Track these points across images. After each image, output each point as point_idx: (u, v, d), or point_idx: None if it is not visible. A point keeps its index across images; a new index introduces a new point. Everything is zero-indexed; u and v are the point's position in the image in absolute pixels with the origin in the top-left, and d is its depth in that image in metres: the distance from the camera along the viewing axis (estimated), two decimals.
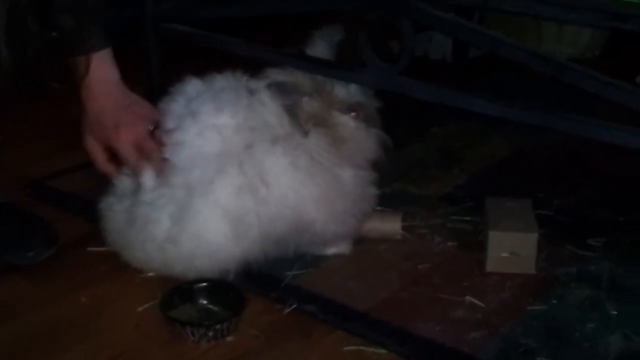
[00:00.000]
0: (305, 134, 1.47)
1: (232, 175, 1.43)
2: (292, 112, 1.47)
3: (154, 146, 1.47)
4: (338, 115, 1.50)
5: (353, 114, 1.50)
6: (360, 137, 1.51)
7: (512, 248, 1.50)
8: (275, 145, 1.46)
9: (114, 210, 1.52)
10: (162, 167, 1.46)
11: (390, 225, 1.62)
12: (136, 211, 1.47)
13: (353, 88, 1.52)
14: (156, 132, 1.48)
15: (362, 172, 1.53)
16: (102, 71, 1.48)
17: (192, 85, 1.51)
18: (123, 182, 1.52)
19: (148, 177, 1.47)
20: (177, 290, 1.41)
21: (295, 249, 1.52)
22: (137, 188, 1.49)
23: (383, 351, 1.31)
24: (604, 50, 2.78)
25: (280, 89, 1.47)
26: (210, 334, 1.32)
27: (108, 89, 1.49)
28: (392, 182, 1.83)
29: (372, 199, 1.56)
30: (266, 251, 1.48)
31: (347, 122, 1.50)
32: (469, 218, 1.69)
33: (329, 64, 1.53)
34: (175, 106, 1.49)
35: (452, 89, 1.40)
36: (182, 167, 1.44)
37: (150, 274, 1.49)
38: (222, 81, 1.51)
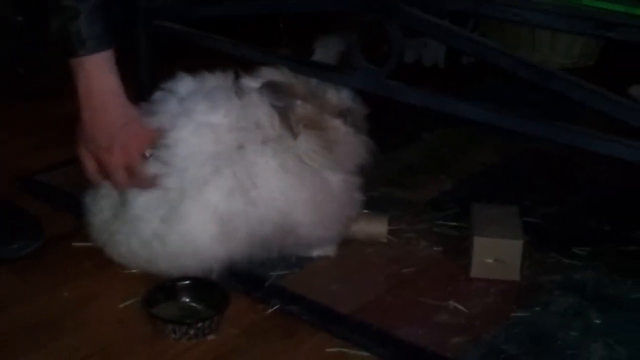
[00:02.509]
0: (296, 136, 1.47)
1: (226, 177, 1.43)
2: (284, 113, 1.47)
3: (144, 174, 1.43)
4: (330, 119, 1.51)
5: (342, 119, 1.51)
6: (350, 141, 1.52)
7: (497, 254, 1.50)
8: (265, 146, 1.46)
9: (101, 204, 1.51)
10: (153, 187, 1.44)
11: (377, 228, 1.62)
12: (126, 208, 1.46)
13: (345, 94, 1.53)
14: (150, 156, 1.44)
15: (350, 177, 1.53)
16: (101, 79, 1.42)
17: (184, 83, 1.51)
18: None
19: (135, 194, 1.45)
20: (161, 287, 1.41)
21: (279, 250, 1.52)
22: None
23: (365, 354, 1.31)
24: (598, 60, 2.78)
25: (274, 90, 1.47)
26: (192, 332, 1.32)
27: (106, 101, 1.43)
28: (380, 186, 1.83)
29: (358, 204, 1.56)
30: (251, 252, 1.47)
31: (338, 127, 1.51)
32: (455, 224, 1.69)
33: (317, 65, 1.53)
34: (168, 105, 1.48)
35: (437, 93, 1.40)
36: (177, 167, 1.43)
37: (134, 271, 1.49)
38: (213, 80, 1.51)
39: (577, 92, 1.27)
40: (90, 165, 1.48)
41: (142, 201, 1.44)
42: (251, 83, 1.49)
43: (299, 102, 1.48)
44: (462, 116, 1.35)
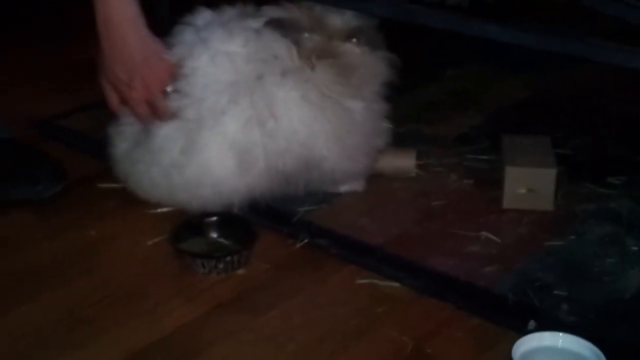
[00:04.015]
0: (312, 67, 1.44)
1: (243, 107, 1.40)
2: (300, 46, 1.44)
3: (166, 108, 1.41)
4: (340, 44, 1.46)
5: (354, 40, 1.46)
6: (368, 61, 1.47)
7: (529, 184, 1.46)
8: (285, 77, 1.42)
9: (123, 134, 1.50)
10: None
11: (404, 162, 1.58)
12: (148, 138, 1.44)
13: (348, 14, 1.47)
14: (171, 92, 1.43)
15: (373, 104, 1.49)
16: (119, 7, 1.38)
17: (202, 16, 1.48)
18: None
19: (158, 125, 1.44)
20: (187, 224, 1.39)
21: (305, 186, 1.49)
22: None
23: (396, 284, 1.28)
24: None
25: (278, 26, 1.43)
26: (221, 266, 1.30)
27: (125, 31, 1.40)
28: (406, 123, 1.78)
29: (385, 134, 1.52)
30: (274, 187, 1.45)
31: (351, 50, 1.46)
32: (485, 157, 1.65)
33: None
34: (185, 35, 1.45)
35: (464, 16, 1.34)
36: (195, 98, 1.41)
37: (160, 210, 1.47)
38: (231, 12, 1.48)
39: (612, 7, 1.22)
40: (112, 97, 1.46)
41: (163, 132, 1.42)
42: (253, 23, 1.45)
43: (306, 34, 1.44)
44: (493, 38, 1.29)
